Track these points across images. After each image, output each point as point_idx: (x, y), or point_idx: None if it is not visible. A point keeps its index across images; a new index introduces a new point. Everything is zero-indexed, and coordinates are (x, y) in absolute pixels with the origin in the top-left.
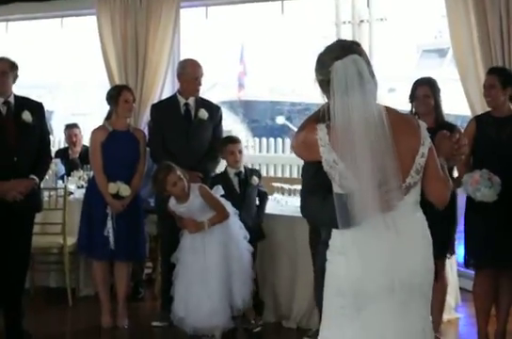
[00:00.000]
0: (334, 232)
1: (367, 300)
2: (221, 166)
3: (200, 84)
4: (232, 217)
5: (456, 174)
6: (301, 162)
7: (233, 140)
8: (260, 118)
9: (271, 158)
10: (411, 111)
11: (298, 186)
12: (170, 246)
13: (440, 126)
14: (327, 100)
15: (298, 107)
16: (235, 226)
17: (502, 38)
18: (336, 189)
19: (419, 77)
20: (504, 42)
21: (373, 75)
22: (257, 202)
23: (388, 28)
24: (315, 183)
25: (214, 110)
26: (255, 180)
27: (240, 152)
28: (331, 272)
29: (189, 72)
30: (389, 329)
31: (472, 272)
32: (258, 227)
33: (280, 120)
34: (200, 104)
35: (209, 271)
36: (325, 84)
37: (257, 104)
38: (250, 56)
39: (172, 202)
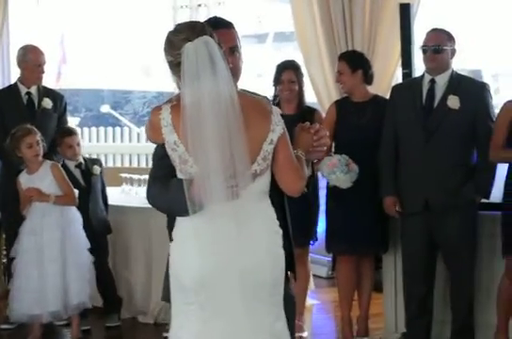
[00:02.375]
0: (177, 221)
1: (209, 296)
2: None
3: (42, 71)
4: (77, 221)
5: None
6: (145, 150)
7: (70, 133)
8: (83, 107)
9: (109, 148)
10: (275, 95)
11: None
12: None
13: (303, 112)
14: (175, 81)
15: (123, 95)
16: (77, 226)
17: (344, 22)
18: (178, 174)
19: (283, 60)
20: (347, 27)
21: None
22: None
23: (226, 12)
24: (160, 167)
25: (58, 99)
26: (97, 169)
27: (78, 144)
28: (173, 266)
29: (31, 60)
30: (233, 326)
31: (324, 258)
32: (105, 220)
33: (105, 108)
34: (44, 93)
35: (44, 253)
36: (174, 65)
37: (78, 93)
38: (77, 43)
39: (23, 175)
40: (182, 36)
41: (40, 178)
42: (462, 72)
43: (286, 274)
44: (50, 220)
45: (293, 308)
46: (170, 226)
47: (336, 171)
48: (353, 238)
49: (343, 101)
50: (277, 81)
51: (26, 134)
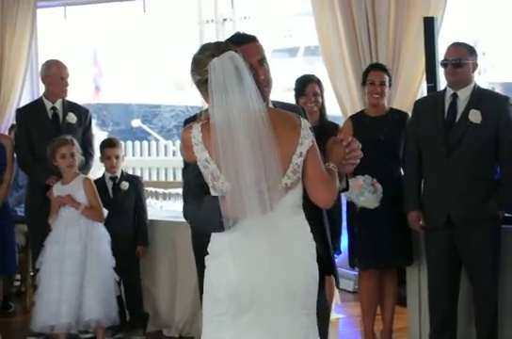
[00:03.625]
0: (212, 236)
1: (243, 307)
2: None
3: (66, 84)
4: (103, 238)
5: None
6: (174, 164)
7: (110, 144)
8: (115, 121)
9: (138, 162)
10: None
11: (173, 190)
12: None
13: (324, 125)
14: (205, 101)
15: (151, 109)
16: (103, 243)
17: (368, 35)
18: (211, 192)
19: (303, 74)
20: (371, 39)
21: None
22: None
23: (252, 27)
24: (195, 185)
25: (82, 114)
26: (124, 185)
27: (117, 157)
28: (207, 278)
29: (55, 73)
30: (266, 337)
31: (350, 272)
32: (131, 237)
33: (136, 123)
34: (68, 108)
35: (65, 265)
36: (201, 83)
37: (111, 107)
38: (107, 58)
39: (57, 185)
40: (207, 53)
41: (72, 190)
42: (495, 85)
43: (322, 284)
44: (73, 231)
45: (326, 320)
46: (195, 241)
47: (364, 192)
48: (376, 253)
49: (358, 116)
50: (300, 93)
51: (62, 144)
